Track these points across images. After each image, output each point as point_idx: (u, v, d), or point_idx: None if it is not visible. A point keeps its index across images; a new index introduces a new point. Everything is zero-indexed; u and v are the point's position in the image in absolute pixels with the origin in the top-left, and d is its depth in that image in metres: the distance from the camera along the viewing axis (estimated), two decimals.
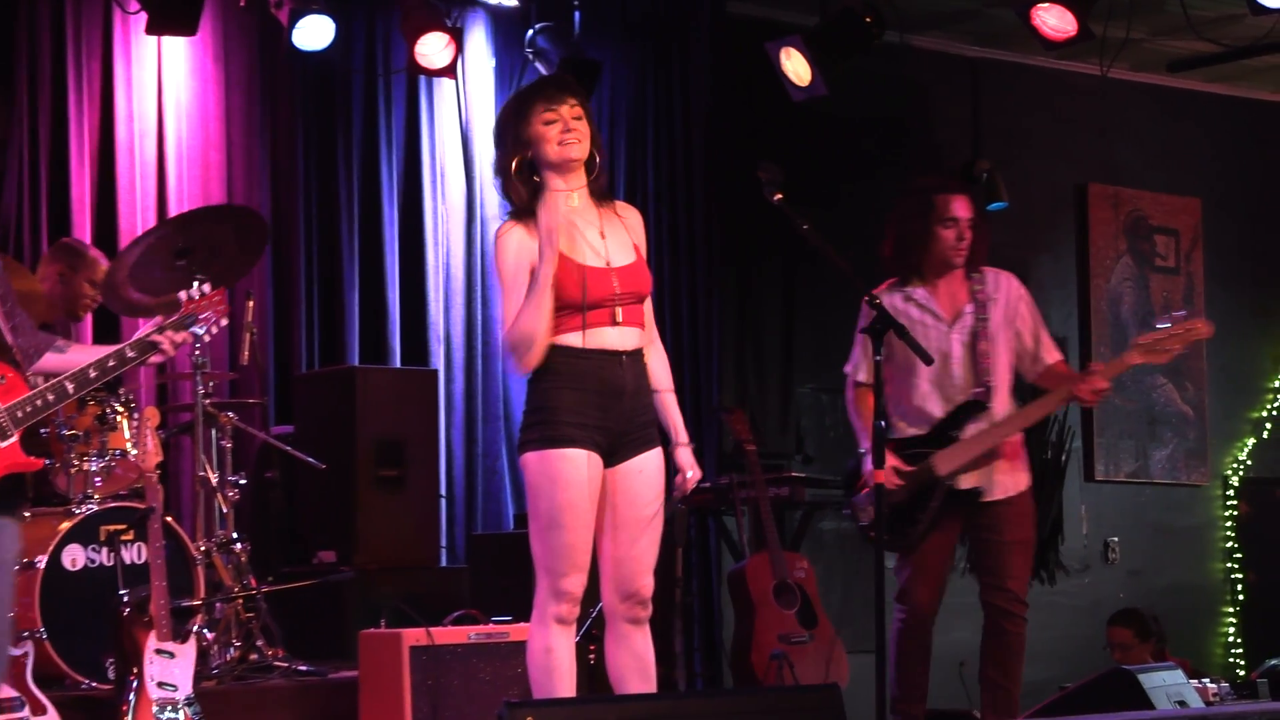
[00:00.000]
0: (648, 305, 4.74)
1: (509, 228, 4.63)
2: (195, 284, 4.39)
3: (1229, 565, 10.22)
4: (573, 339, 4.58)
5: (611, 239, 4.65)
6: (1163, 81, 10.27)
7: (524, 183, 4.62)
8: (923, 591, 5.85)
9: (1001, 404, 5.86)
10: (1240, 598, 10.16)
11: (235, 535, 6.51)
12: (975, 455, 5.79)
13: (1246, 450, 10.35)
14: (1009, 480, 5.87)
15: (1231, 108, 10.53)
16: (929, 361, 5.35)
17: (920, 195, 5.94)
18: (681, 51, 8.88)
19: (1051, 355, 5.94)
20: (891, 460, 5.69)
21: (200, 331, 4.30)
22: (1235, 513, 10.24)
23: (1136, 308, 10.11)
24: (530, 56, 8.60)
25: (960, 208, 5.90)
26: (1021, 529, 5.88)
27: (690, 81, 8.86)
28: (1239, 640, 10.12)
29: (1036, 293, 10.34)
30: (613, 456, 4.62)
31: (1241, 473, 10.31)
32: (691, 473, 4.74)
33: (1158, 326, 5.83)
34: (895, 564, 5.94)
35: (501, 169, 4.65)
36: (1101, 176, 10.14)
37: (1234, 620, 10.15)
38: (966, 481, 5.82)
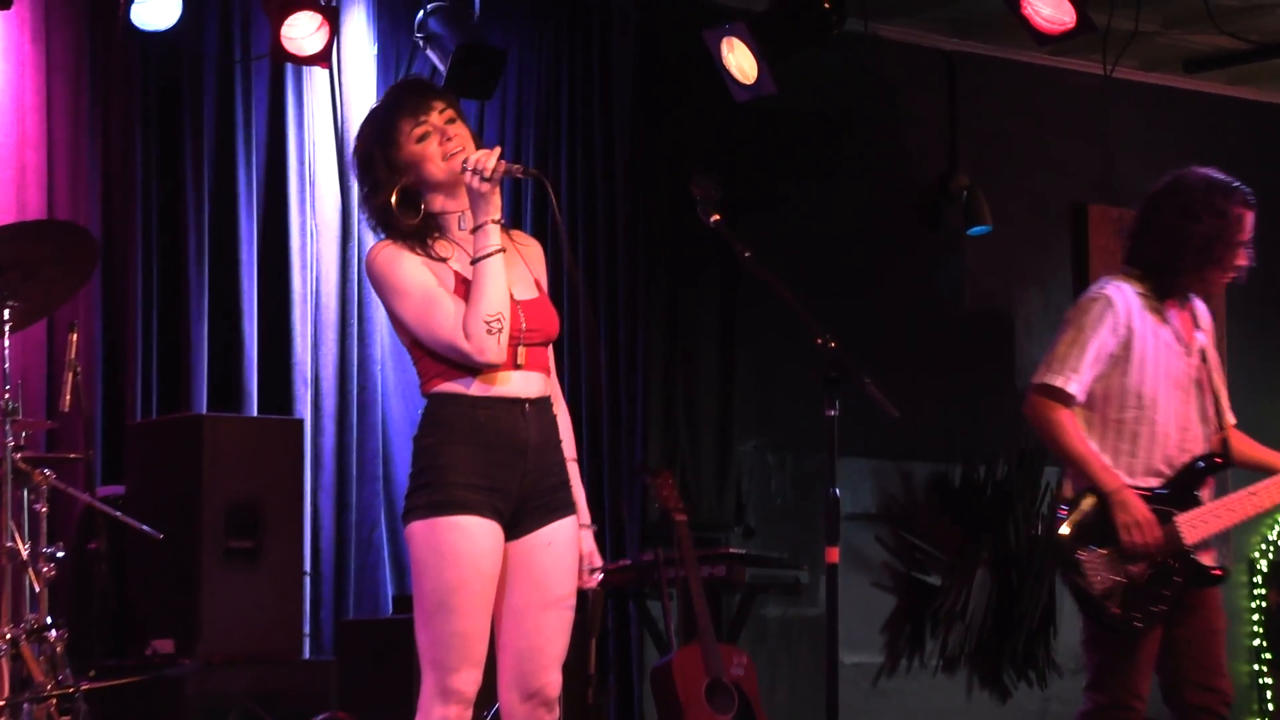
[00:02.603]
0: (551, 354, 4.76)
1: (389, 245, 4.64)
2: None
3: (1256, 667, 10.29)
4: (465, 385, 4.58)
5: (511, 269, 4.67)
6: (1177, 83, 10.40)
7: (408, 215, 4.65)
8: (1144, 682, 5.69)
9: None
10: (1270, 706, 10.22)
11: (50, 620, 6.44)
12: (1229, 524, 5.71)
13: (1278, 529, 10.44)
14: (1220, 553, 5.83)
15: (1257, 114, 10.67)
16: (893, 414, 5.35)
17: (1228, 210, 5.73)
18: (602, 39, 8.92)
19: (1232, 416, 5.89)
20: (1146, 511, 5.59)
21: None
22: (1263, 603, 10.32)
23: None
24: (420, 43, 8.61)
25: (1249, 228, 5.79)
26: (1222, 615, 5.81)
27: (613, 75, 8.89)
28: None
29: (1024, 334, 10.47)
30: (515, 526, 4.62)
31: (1271, 555, 10.39)
32: (592, 565, 4.74)
33: None
34: (1086, 642, 5.78)
35: (380, 206, 4.66)
36: (1103, 196, 10.24)
37: None
38: (1210, 556, 5.72)
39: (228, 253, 8.39)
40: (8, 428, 6.41)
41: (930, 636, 9.50)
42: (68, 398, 6.79)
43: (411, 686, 4.68)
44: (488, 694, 4.69)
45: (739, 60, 8.09)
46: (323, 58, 8.10)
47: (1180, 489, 5.72)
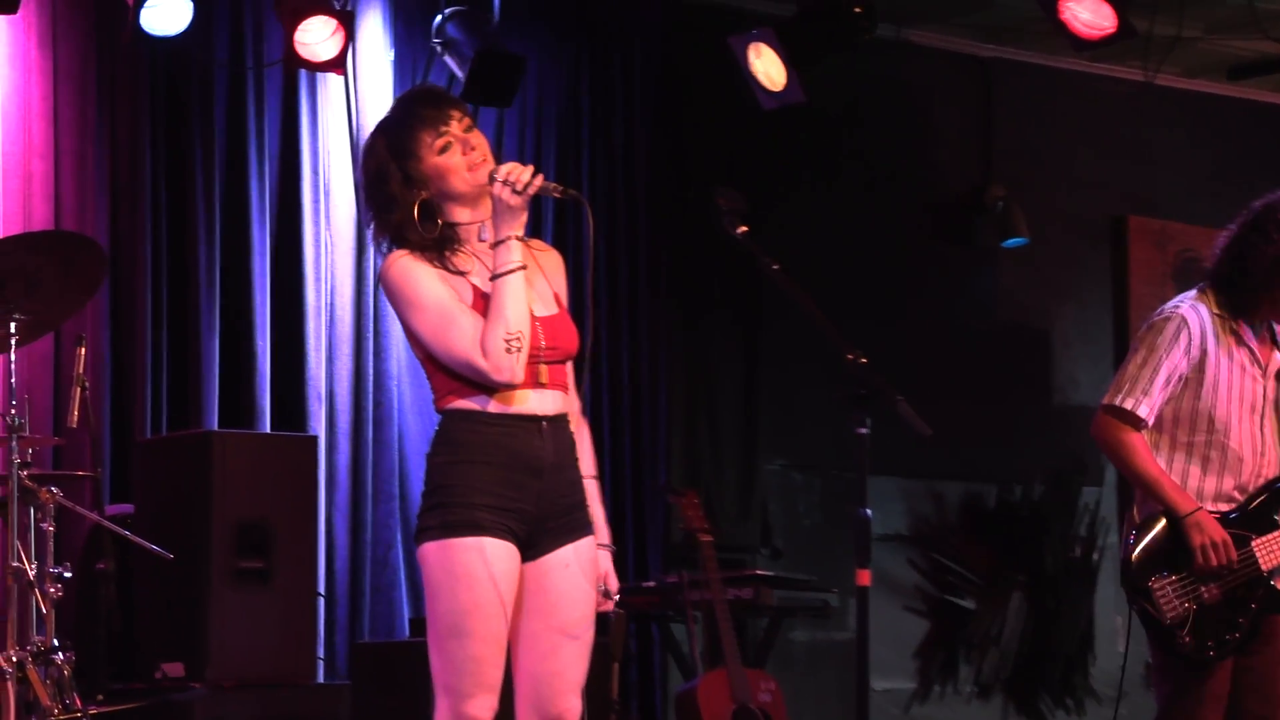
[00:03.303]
0: (570, 370, 4.75)
1: (404, 256, 4.63)
2: None
3: None
4: (480, 402, 4.59)
5: (531, 283, 4.65)
6: (1221, 90, 10.39)
7: (425, 228, 4.63)
8: (1213, 716, 5.66)
9: None
10: None
11: (56, 642, 6.45)
12: None
13: None
14: None
15: None
16: (925, 433, 5.36)
17: None
18: (623, 46, 8.94)
19: None
20: (1223, 533, 5.57)
21: None
22: None
23: None
24: (438, 49, 8.63)
25: None
26: None
27: (634, 83, 8.92)
28: None
29: (1061, 351, 10.47)
30: (532, 548, 4.61)
31: None
32: (608, 588, 4.74)
33: None
34: (1156, 671, 5.77)
35: (398, 223, 4.65)
36: (1143, 207, 10.24)
37: None
38: None
39: (239, 265, 8.40)
40: (14, 445, 6.43)
41: (964, 662, 9.50)
42: (75, 414, 6.82)
43: (428, 712, 4.69)
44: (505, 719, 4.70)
45: (766, 67, 8.10)
46: (337, 64, 8.12)
47: (1256, 512, 5.70)
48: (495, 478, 4.56)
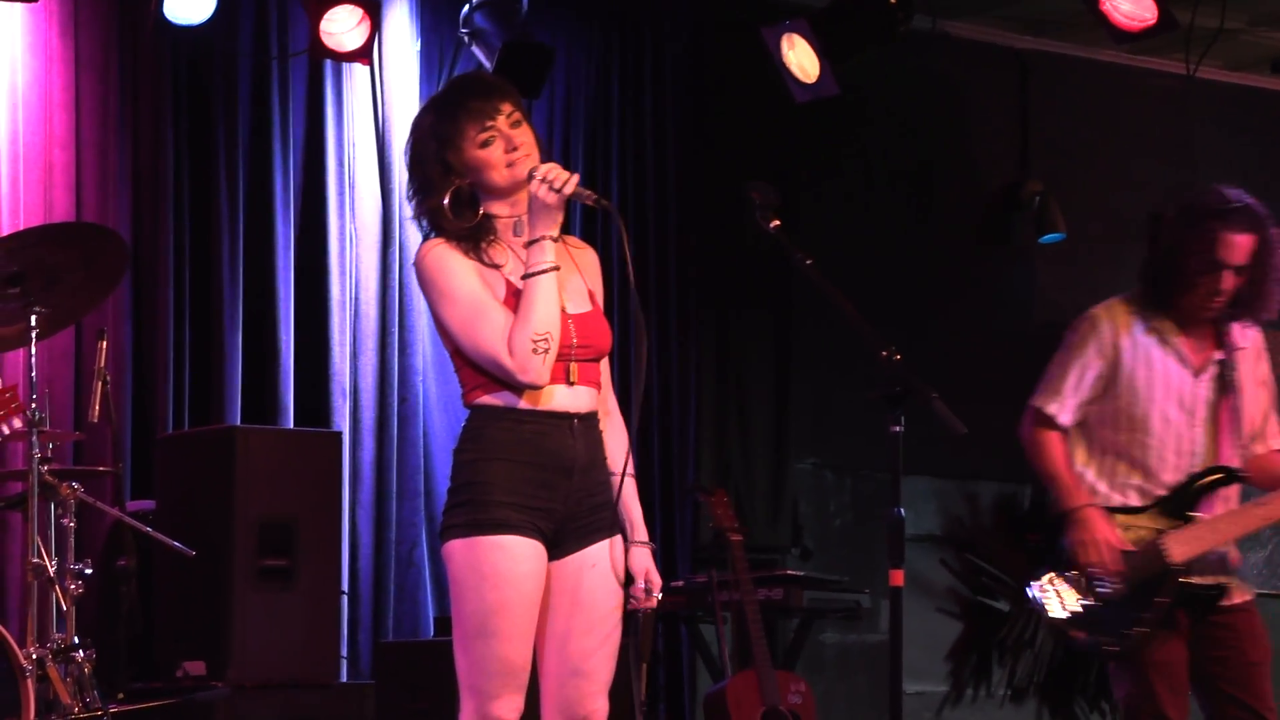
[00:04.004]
0: (605, 367, 4.76)
1: (440, 244, 4.64)
2: None
3: None
4: (509, 398, 4.59)
5: (565, 280, 4.66)
6: (1265, 84, 10.37)
7: (462, 217, 4.64)
8: (1174, 710, 5.73)
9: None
10: None
11: (76, 640, 6.48)
12: (1222, 542, 5.76)
13: None
14: (1246, 578, 5.88)
15: None
16: (960, 432, 5.37)
17: (1203, 228, 5.84)
18: (654, 38, 8.94)
19: (1278, 439, 5.95)
20: (1107, 529, 5.71)
21: None
22: None
23: None
24: (465, 39, 8.64)
25: (1238, 251, 5.84)
26: (1265, 646, 5.83)
27: (665, 74, 8.92)
28: None
29: None
30: (559, 546, 4.62)
31: None
32: (648, 583, 4.74)
33: None
34: (1114, 678, 5.85)
35: (431, 207, 4.65)
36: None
37: None
38: (1205, 575, 5.77)
39: (263, 258, 8.41)
40: (34, 439, 6.46)
41: (997, 665, 9.49)
42: (96, 408, 6.84)
43: (453, 712, 4.70)
44: None
45: (800, 58, 8.10)
46: (363, 54, 8.13)
47: (1173, 507, 5.78)
48: (524, 476, 4.56)
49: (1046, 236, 9.62)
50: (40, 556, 6.50)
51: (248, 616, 7.28)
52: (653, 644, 7.36)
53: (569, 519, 4.62)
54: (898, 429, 5.00)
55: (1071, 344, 5.89)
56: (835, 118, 8.83)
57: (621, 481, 4.70)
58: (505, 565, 4.53)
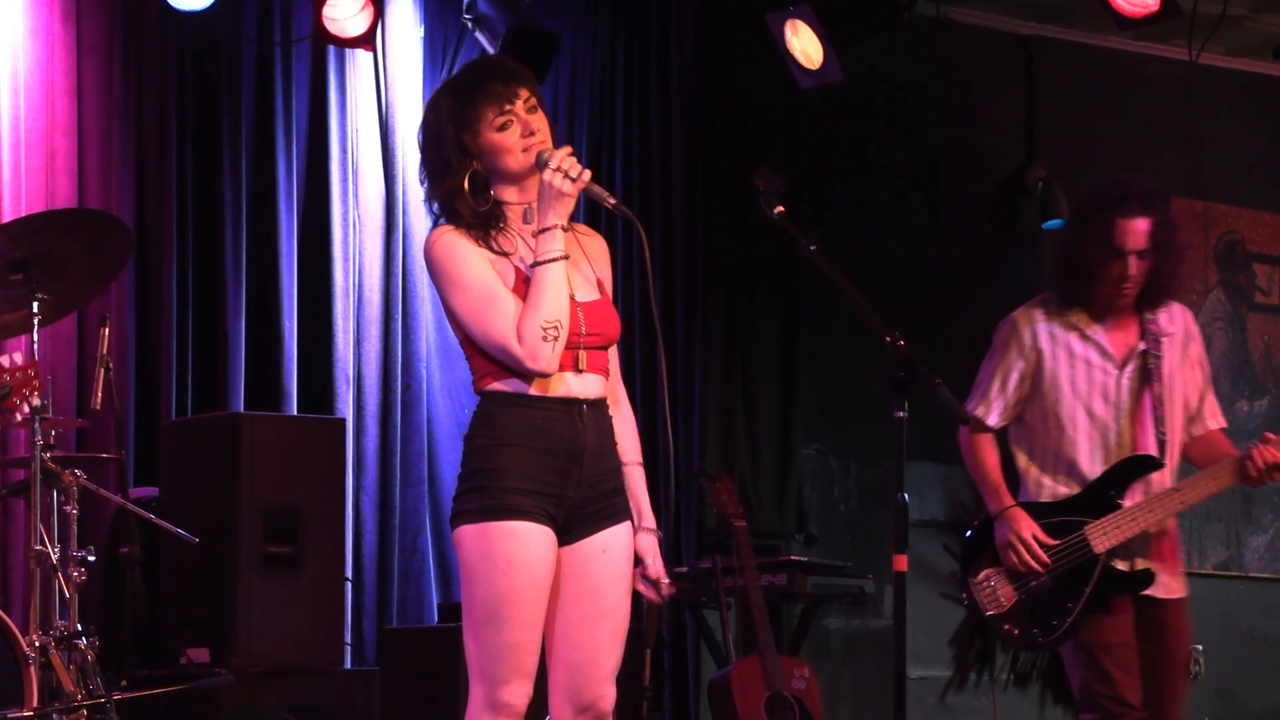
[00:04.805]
0: (613, 355, 4.76)
1: (450, 231, 4.63)
2: None
3: None
4: (519, 385, 4.59)
5: (574, 268, 4.66)
6: (1267, 70, 10.34)
7: (477, 200, 4.63)
8: (1129, 688, 5.81)
9: (1171, 464, 5.92)
10: None
11: (80, 627, 6.48)
12: (1140, 529, 5.82)
13: None
14: (1178, 576, 5.94)
15: None
16: (965, 421, 5.38)
17: (1100, 218, 5.90)
18: (660, 23, 8.92)
19: (1215, 419, 6.01)
20: (1030, 528, 5.79)
21: None
22: None
23: (1230, 355, 10.16)
24: (469, 25, 8.64)
25: (1136, 235, 5.89)
26: (1187, 645, 5.95)
27: (670, 61, 8.90)
28: None
29: None
30: (569, 533, 4.61)
31: None
32: (654, 568, 4.74)
33: None
34: (1069, 663, 5.94)
35: (448, 191, 4.64)
36: (1187, 189, 10.20)
37: None
38: (1132, 562, 5.84)
39: (266, 245, 8.41)
40: (37, 426, 6.45)
41: (1001, 650, 9.46)
42: (99, 395, 6.83)
43: (458, 698, 4.70)
44: (538, 706, 4.70)
45: (803, 45, 8.09)
46: (366, 40, 8.13)
47: (1095, 496, 5.86)
48: (535, 462, 4.56)
49: (1049, 223, 9.59)
50: (43, 544, 6.49)
51: (252, 603, 7.28)
52: (658, 630, 7.36)
53: (580, 505, 4.61)
54: (902, 415, 5.02)
55: (995, 347, 5.99)
56: (841, 105, 8.81)
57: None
58: (517, 551, 4.52)
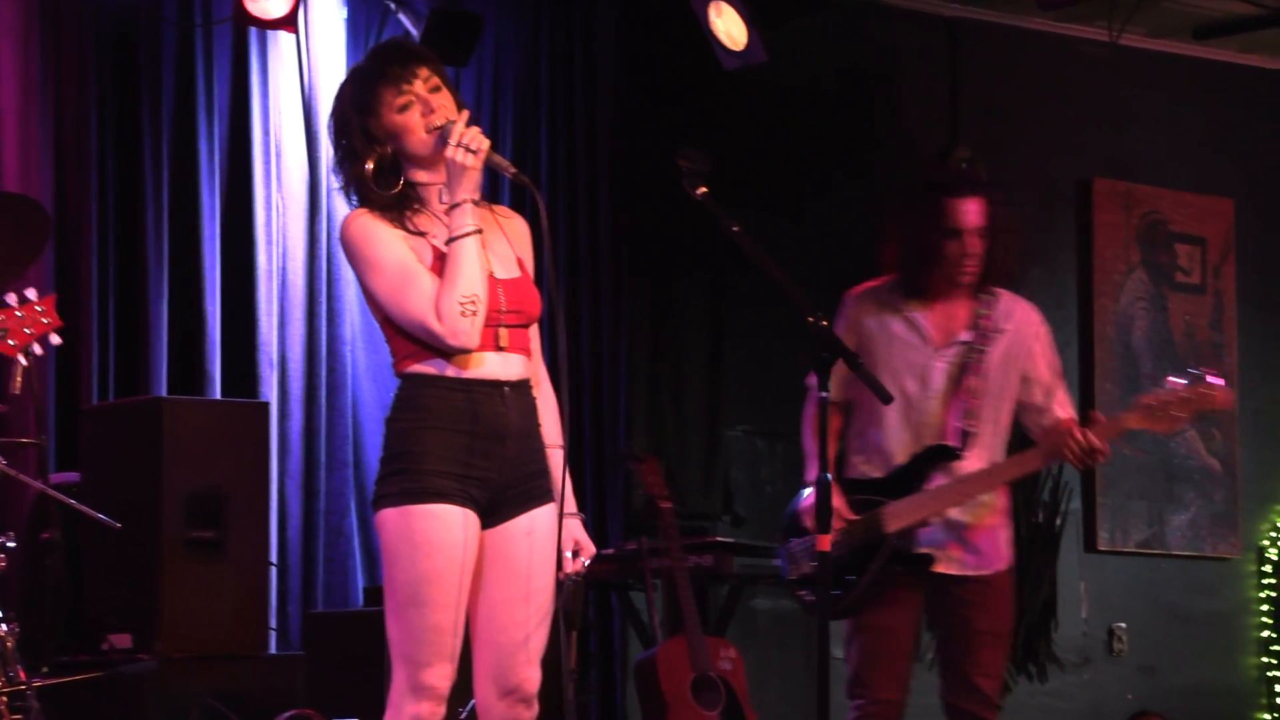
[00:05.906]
0: (535, 335, 4.75)
1: (364, 214, 4.63)
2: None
3: (1266, 660, 10.32)
4: (441, 366, 4.57)
5: (493, 247, 4.66)
6: (1188, 51, 10.39)
7: (386, 185, 4.63)
8: (879, 678, 5.93)
9: (981, 456, 5.95)
10: None
11: (0, 613, 6.42)
12: (932, 513, 5.89)
13: None
14: (989, 553, 5.97)
15: (1270, 83, 10.67)
16: (887, 400, 5.41)
17: (931, 200, 5.97)
18: (585, 4, 8.90)
19: (1063, 410, 6.04)
20: (835, 503, 5.80)
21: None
22: (1274, 594, 10.34)
23: (1152, 334, 10.20)
24: (392, 6, 8.60)
25: (970, 215, 5.95)
26: (998, 617, 6.01)
27: (595, 45, 8.89)
28: None
29: None
30: (492, 515, 4.62)
31: None
32: (582, 551, 4.75)
33: (1168, 384, 5.92)
34: (846, 642, 6.03)
35: (355, 175, 4.64)
36: (1110, 170, 10.25)
37: None
38: (919, 545, 5.92)
39: (188, 228, 8.37)
40: None
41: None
42: (18, 380, 6.76)
43: (383, 682, 4.69)
44: (463, 689, 4.69)
45: (728, 26, 8.09)
46: (288, 22, 8.08)
47: (902, 479, 5.94)
48: (458, 444, 4.56)
49: None
50: None
51: (176, 588, 7.24)
52: (583, 612, 7.35)
53: (504, 487, 4.62)
54: (825, 395, 5.04)
55: (834, 321, 6.00)
56: (766, 86, 8.81)
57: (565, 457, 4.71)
58: (438, 534, 4.53)
